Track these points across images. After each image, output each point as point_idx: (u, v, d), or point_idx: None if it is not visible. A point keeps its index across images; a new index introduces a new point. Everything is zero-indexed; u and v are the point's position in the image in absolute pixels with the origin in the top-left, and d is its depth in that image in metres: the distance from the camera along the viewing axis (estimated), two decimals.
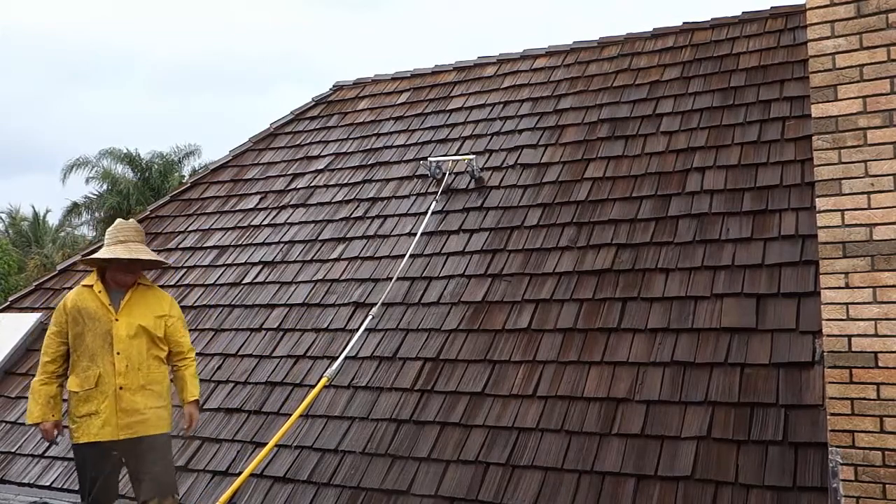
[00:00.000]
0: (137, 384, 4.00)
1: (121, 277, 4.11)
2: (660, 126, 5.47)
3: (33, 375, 5.98)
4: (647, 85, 5.88)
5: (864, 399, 3.07)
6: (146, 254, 4.19)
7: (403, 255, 5.35)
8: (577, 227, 5.05)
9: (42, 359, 4.10)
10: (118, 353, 3.99)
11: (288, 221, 6.38)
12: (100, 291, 4.09)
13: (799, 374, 3.75)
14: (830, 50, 3.26)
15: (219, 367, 5.35)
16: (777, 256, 4.28)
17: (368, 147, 6.80)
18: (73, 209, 27.40)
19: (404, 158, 6.44)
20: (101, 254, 4.11)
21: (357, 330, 4.89)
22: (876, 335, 3.07)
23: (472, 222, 5.49)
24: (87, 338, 4.00)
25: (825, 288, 3.20)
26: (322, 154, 7.02)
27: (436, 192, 5.82)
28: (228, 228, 6.68)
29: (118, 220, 4.32)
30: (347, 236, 5.93)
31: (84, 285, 4.18)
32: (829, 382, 3.16)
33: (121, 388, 3.96)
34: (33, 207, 31.75)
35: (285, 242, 6.18)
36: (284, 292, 5.71)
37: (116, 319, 4.03)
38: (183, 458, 4.75)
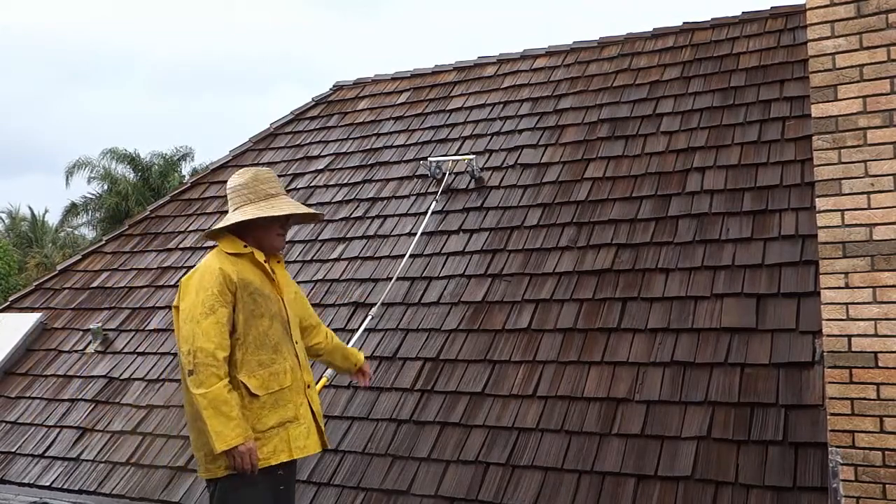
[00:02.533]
0: (311, 381, 3.25)
1: (280, 242, 3.30)
2: (660, 126, 5.47)
3: (34, 376, 6.10)
4: (647, 85, 5.87)
5: (864, 399, 3.07)
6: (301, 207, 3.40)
7: (403, 255, 5.35)
8: (577, 227, 5.05)
9: (216, 353, 2.93)
10: (297, 343, 3.20)
11: None
12: (265, 261, 3.18)
13: (799, 374, 3.75)
14: (830, 50, 3.26)
15: None
16: (777, 256, 4.28)
17: (368, 147, 6.79)
18: (72, 210, 27.50)
19: (404, 158, 6.44)
20: (277, 209, 3.20)
21: (357, 330, 4.89)
22: (876, 335, 3.07)
23: (472, 222, 5.49)
24: (265, 322, 3.06)
25: (825, 288, 3.20)
26: (322, 154, 7.01)
27: (436, 192, 5.81)
28: None
29: (257, 172, 3.35)
30: (347, 236, 5.93)
31: (233, 253, 3.13)
32: (829, 382, 3.16)
33: (308, 386, 3.19)
34: (30, 208, 31.91)
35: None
36: None
37: (282, 298, 3.19)
38: (182, 458, 4.74)
